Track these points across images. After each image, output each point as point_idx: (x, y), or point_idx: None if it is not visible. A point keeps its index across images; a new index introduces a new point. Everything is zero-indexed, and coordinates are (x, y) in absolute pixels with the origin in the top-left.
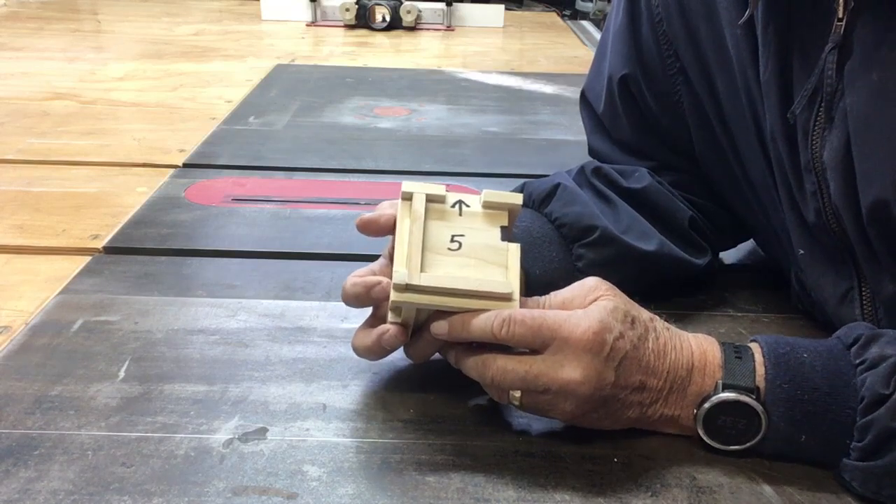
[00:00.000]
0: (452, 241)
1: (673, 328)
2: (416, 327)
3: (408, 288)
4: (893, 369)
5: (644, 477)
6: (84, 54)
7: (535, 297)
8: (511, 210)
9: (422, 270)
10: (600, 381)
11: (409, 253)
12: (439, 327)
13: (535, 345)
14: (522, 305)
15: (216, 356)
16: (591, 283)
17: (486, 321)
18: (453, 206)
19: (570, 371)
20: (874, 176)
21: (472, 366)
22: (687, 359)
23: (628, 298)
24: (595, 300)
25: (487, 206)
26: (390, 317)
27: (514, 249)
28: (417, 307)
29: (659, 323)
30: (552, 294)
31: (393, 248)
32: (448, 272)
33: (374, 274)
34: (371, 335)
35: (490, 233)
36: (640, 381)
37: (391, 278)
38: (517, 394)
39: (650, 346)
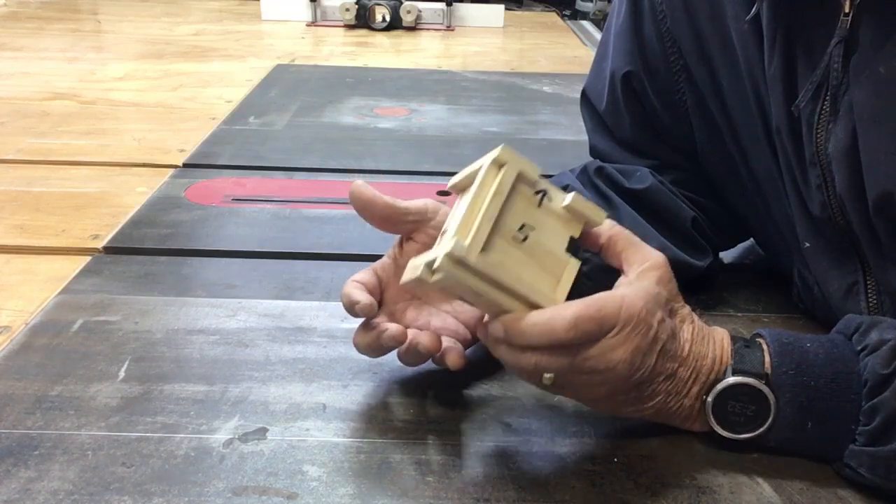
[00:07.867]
0: (521, 229)
1: (701, 321)
2: None
3: (460, 263)
4: (894, 351)
5: (644, 477)
6: (84, 54)
7: (611, 222)
8: (588, 224)
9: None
10: (642, 364)
11: (478, 226)
12: (496, 329)
13: (601, 335)
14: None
15: (216, 356)
16: (659, 259)
17: (548, 327)
18: (537, 193)
19: (620, 352)
20: (880, 168)
21: (506, 352)
22: (712, 349)
23: (676, 290)
24: (647, 274)
25: (569, 209)
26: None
27: (573, 266)
28: (457, 283)
29: (695, 315)
30: (627, 232)
31: (402, 240)
32: (504, 262)
33: (376, 274)
34: (371, 332)
35: (559, 239)
36: (673, 370)
37: (371, 288)
38: (549, 374)
39: (686, 335)
